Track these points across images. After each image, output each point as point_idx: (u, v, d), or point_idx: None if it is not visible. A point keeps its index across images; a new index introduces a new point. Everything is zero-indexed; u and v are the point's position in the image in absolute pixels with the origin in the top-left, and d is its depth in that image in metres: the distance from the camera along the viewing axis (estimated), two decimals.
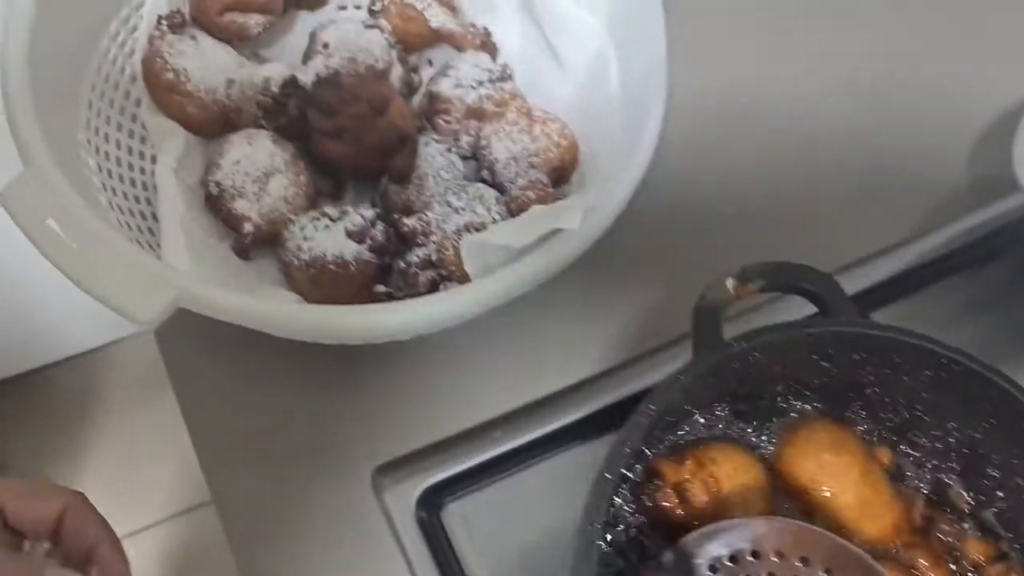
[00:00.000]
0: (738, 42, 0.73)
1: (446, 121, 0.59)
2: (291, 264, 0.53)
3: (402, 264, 0.53)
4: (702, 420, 0.46)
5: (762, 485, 0.44)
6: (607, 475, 0.38)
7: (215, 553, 1.30)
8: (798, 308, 0.50)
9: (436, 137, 0.58)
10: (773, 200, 0.67)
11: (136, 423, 1.38)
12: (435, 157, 0.57)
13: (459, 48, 0.62)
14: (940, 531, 0.43)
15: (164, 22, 0.57)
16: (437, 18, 0.61)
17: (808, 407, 0.47)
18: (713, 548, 0.39)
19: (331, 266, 0.52)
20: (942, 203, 0.67)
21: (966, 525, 0.45)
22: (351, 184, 0.60)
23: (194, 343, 0.57)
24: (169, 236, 0.52)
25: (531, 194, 0.54)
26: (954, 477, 0.46)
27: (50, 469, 1.35)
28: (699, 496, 0.43)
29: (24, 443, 1.36)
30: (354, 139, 0.54)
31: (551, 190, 0.55)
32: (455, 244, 0.52)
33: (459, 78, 0.59)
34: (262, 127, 0.57)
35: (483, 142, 0.58)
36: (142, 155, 0.57)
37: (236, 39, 0.60)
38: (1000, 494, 0.44)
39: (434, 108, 0.59)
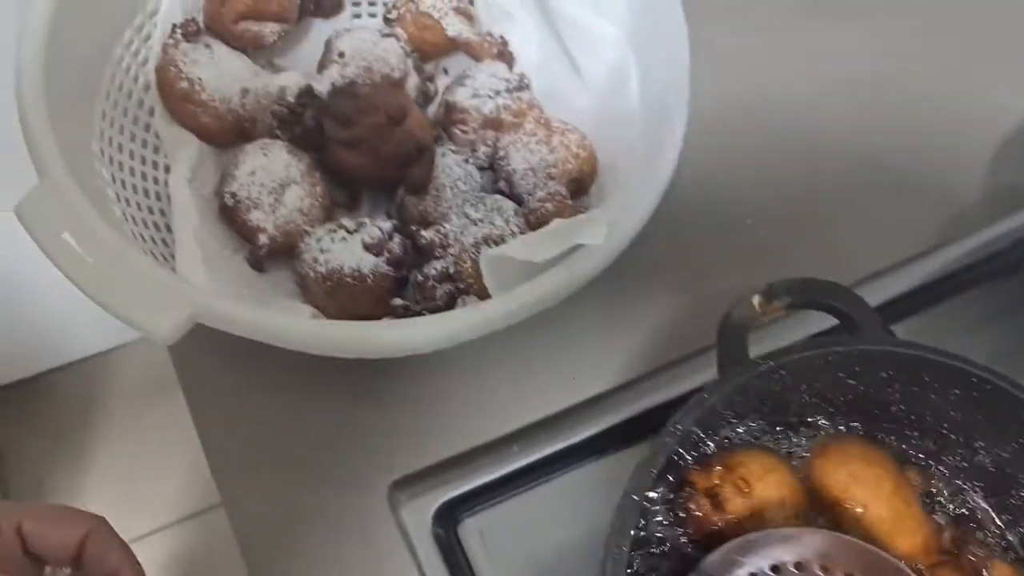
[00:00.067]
0: (755, 50, 0.72)
1: (463, 131, 0.59)
2: (307, 276, 0.52)
3: (419, 277, 0.53)
4: (727, 437, 0.45)
5: (793, 482, 0.43)
6: (634, 497, 0.37)
7: (220, 558, 1.30)
8: (816, 318, 0.49)
9: (453, 148, 0.57)
10: (791, 210, 0.66)
11: (141, 427, 1.38)
12: (452, 168, 0.56)
13: (476, 57, 0.61)
14: (971, 553, 0.42)
15: (178, 30, 0.57)
16: (454, 27, 0.60)
17: (833, 424, 0.47)
18: (756, 560, 0.38)
19: (348, 279, 0.51)
20: (964, 213, 0.67)
21: (995, 547, 0.44)
22: (366, 195, 0.59)
23: (207, 353, 0.56)
24: (183, 248, 0.52)
25: (550, 206, 0.54)
26: (982, 497, 0.45)
27: (55, 473, 1.34)
28: (733, 499, 0.42)
29: (29, 447, 1.36)
30: (371, 149, 0.54)
31: (570, 202, 0.55)
32: (473, 257, 0.52)
33: (476, 88, 0.59)
34: (277, 137, 0.57)
35: (500, 153, 0.57)
36: (155, 165, 0.57)
37: (251, 48, 0.59)
38: None
39: (450, 118, 0.59)
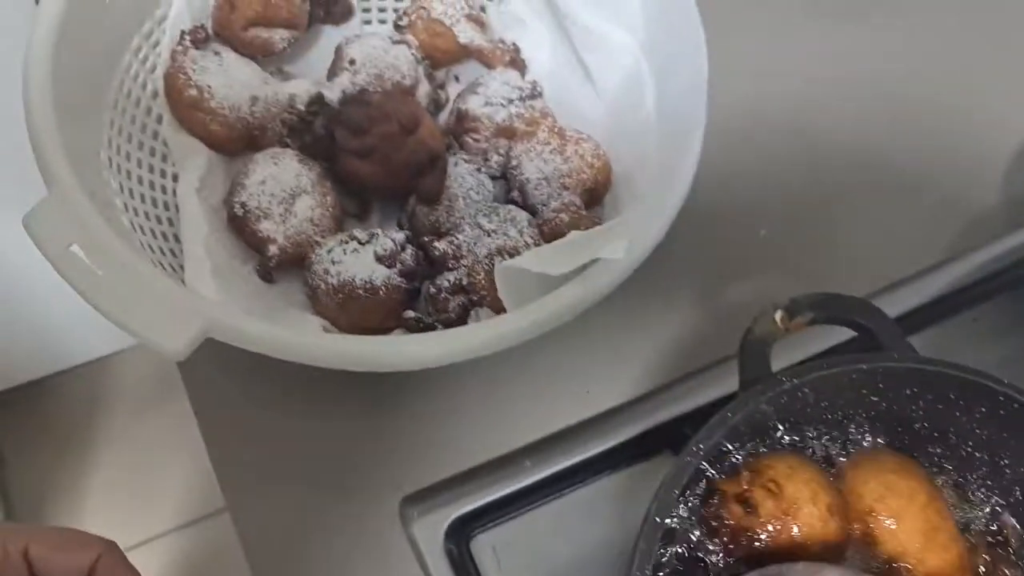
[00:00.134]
0: (766, 56, 0.71)
1: (475, 140, 0.58)
2: (318, 288, 0.51)
3: (432, 289, 0.52)
4: (751, 453, 0.44)
5: (823, 479, 0.42)
6: (656, 519, 0.37)
7: (223, 563, 1.29)
8: (833, 328, 0.48)
9: (465, 157, 0.57)
10: (805, 219, 0.66)
11: (144, 432, 1.38)
12: (465, 177, 0.55)
13: (488, 65, 0.61)
14: (1003, 574, 0.41)
15: (187, 37, 0.56)
16: (465, 34, 0.60)
17: (854, 441, 0.46)
18: None
19: (360, 291, 0.50)
20: (979, 223, 0.66)
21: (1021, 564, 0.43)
22: (377, 204, 0.59)
23: (214, 364, 0.55)
24: (192, 258, 0.51)
25: (564, 217, 0.53)
26: (1008, 515, 0.44)
27: (58, 478, 1.34)
28: (764, 502, 0.40)
29: (32, 452, 1.36)
30: (383, 158, 0.53)
31: (584, 212, 0.54)
32: (486, 268, 0.51)
33: (488, 96, 0.58)
34: (286, 145, 0.56)
35: (513, 162, 0.57)
36: (163, 173, 0.56)
37: (260, 55, 0.58)
38: None
39: (462, 126, 0.58)
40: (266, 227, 0.52)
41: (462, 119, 0.58)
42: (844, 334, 0.48)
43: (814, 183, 0.68)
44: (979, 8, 0.76)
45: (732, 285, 0.61)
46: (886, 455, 0.43)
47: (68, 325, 1.27)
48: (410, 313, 0.52)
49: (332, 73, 0.59)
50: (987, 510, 0.45)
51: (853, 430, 0.45)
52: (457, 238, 0.52)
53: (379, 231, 0.52)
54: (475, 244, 0.52)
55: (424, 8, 0.60)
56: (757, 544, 0.40)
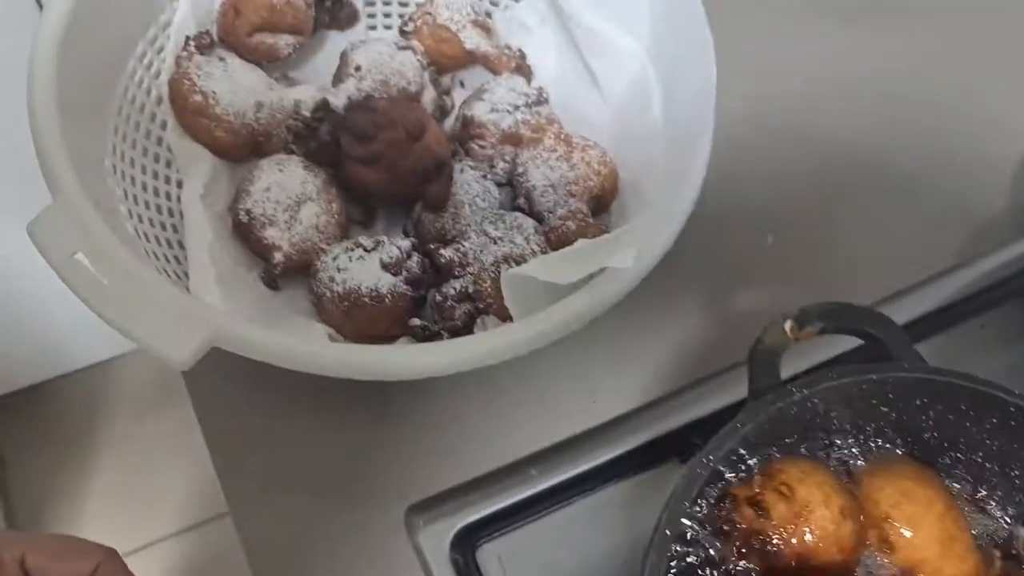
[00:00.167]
0: (772, 60, 0.71)
1: (480, 146, 0.58)
2: (323, 296, 0.51)
3: (438, 297, 0.52)
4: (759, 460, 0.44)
5: (835, 482, 0.41)
6: (667, 531, 0.36)
7: (225, 568, 1.29)
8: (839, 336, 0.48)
9: (471, 163, 0.56)
10: (812, 226, 0.65)
11: (145, 436, 1.37)
12: (471, 184, 0.55)
13: (494, 71, 0.60)
14: None
15: (192, 43, 0.55)
16: (471, 40, 0.59)
17: (863, 451, 0.46)
18: None
19: (366, 299, 0.50)
20: (986, 229, 0.66)
21: None
22: (382, 210, 0.58)
23: (218, 371, 0.55)
24: (197, 266, 0.51)
25: (571, 224, 0.53)
26: (1020, 527, 0.44)
27: (59, 481, 1.34)
28: (776, 505, 0.40)
29: (33, 455, 1.35)
30: (388, 165, 0.53)
31: (591, 220, 0.54)
32: (492, 276, 0.51)
33: (494, 102, 0.58)
34: (291, 152, 0.56)
35: (519, 169, 0.56)
36: (168, 179, 0.55)
37: (265, 60, 0.58)
38: None
39: (468, 132, 0.58)
40: (271, 234, 0.52)
41: (468, 125, 0.58)
42: (851, 342, 0.48)
43: (820, 188, 0.67)
44: (985, 10, 0.76)
45: (739, 292, 0.61)
46: (903, 462, 0.43)
47: (69, 329, 1.27)
48: (416, 321, 0.51)
49: (337, 79, 0.59)
50: (998, 521, 0.45)
51: (862, 440, 0.45)
52: (463, 245, 0.52)
53: (385, 238, 0.52)
54: (481, 252, 0.51)
55: (430, 14, 0.60)
56: (770, 548, 0.39)
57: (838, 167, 0.69)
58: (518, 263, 0.51)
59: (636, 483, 0.54)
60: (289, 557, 0.51)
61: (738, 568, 0.40)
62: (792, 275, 0.63)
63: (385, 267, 0.50)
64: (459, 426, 0.55)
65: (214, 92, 0.54)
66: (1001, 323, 0.61)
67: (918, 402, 0.42)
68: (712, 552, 0.39)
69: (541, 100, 0.58)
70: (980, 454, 0.44)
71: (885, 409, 0.43)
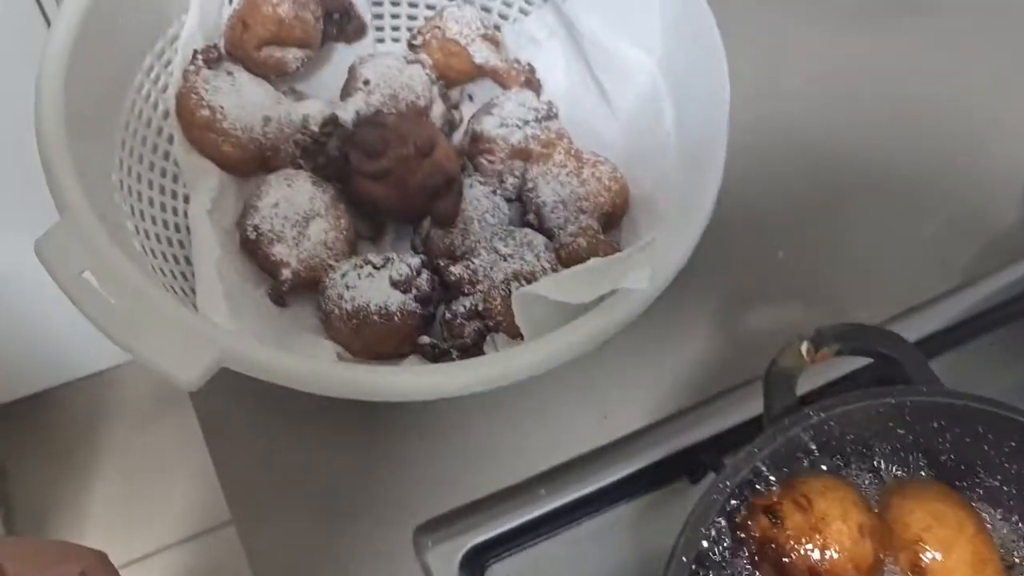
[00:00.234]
0: (780, 77, 0.71)
1: (489, 161, 0.57)
2: (332, 313, 0.50)
3: (447, 314, 0.51)
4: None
5: (858, 499, 0.41)
6: (684, 558, 0.36)
7: None
8: None
9: (480, 179, 0.56)
10: (823, 240, 0.65)
11: (147, 445, 1.37)
12: (480, 200, 0.54)
13: (504, 85, 0.60)
14: None
15: (199, 57, 0.55)
16: (481, 54, 0.59)
17: (878, 472, 0.45)
18: None
19: (374, 317, 0.49)
20: (998, 244, 0.65)
21: None
22: (390, 225, 0.58)
23: (225, 388, 0.54)
24: (204, 282, 0.50)
25: (582, 241, 0.52)
26: None
27: (60, 491, 1.33)
28: (792, 515, 0.39)
29: (34, 465, 1.35)
30: (398, 181, 0.52)
31: (602, 237, 0.53)
32: (503, 294, 0.50)
33: (503, 117, 0.57)
34: (299, 167, 0.55)
35: (529, 184, 0.56)
36: (174, 194, 0.55)
37: (273, 74, 0.58)
38: None
39: (477, 147, 0.57)
40: (279, 251, 0.52)
41: (477, 140, 0.57)
42: (864, 359, 0.48)
43: (829, 201, 0.67)
44: (998, 16, 0.76)
45: (750, 308, 0.60)
46: (931, 484, 0.42)
47: (71, 337, 1.27)
48: (425, 339, 0.51)
49: (346, 93, 0.58)
50: (1013, 544, 0.44)
51: (878, 462, 0.44)
52: (473, 262, 0.51)
53: (394, 255, 0.51)
54: (491, 269, 0.51)
55: (439, 28, 0.60)
56: (783, 558, 0.39)
57: (847, 179, 0.68)
58: (528, 280, 0.50)
59: (645, 503, 0.54)
60: (293, 570, 0.51)
61: None
62: (803, 290, 0.62)
63: (394, 285, 0.50)
64: (467, 443, 0.54)
65: (222, 106, 0.54)
66: (1012, 341, 0.61)
67: (935, 424, 0.42)
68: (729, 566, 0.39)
69: (551, 115, 0.58)
70: (998, 477, 0.43)
71: (902, 431, 0.43)
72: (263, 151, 0.55)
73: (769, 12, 0.75)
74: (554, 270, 0.51)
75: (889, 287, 0.63)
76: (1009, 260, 0.63)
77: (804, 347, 0.42)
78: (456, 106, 0.62)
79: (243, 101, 0.55)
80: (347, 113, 0.55)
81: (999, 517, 0.44)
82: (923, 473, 0.44)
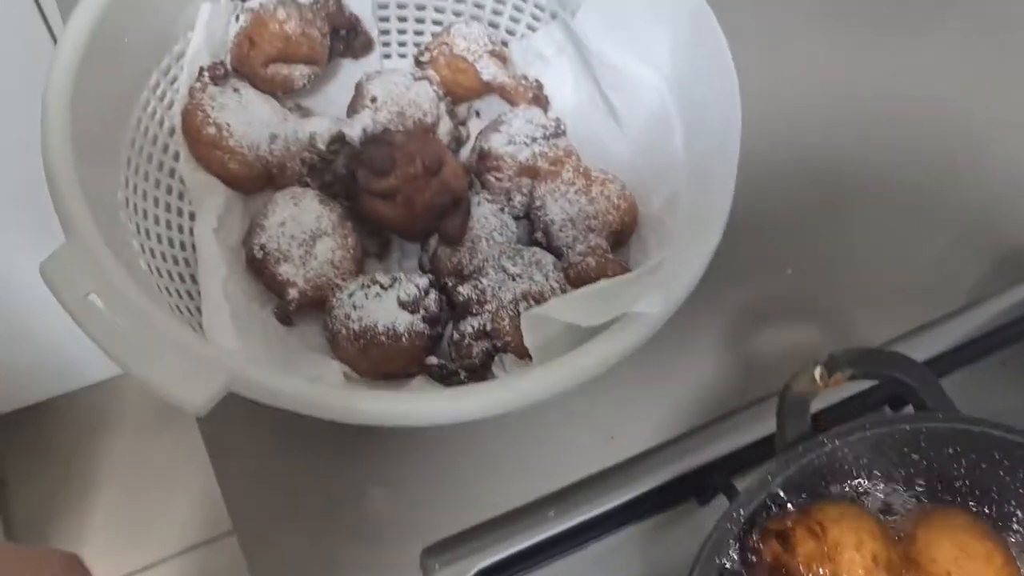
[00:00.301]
0: (786, 92, 0.70)
1: (497, 178, 0.57)
2: (338, 333, 0.50)
3: (455, 335, 0.51)
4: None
5: (874, 528, 0.40)
6: None
7: None
8: None
9: (488, 196, 0.56)
10: (832, 258, 0.65)
11: (147, 455, 1.36)
12: (488, 218, 0.54)
13: (511, 102, 0.60)
14: None
15: (206, 73, 0.55)
16: (488, 70, 0.58)
17: (889, 497, 0.45)
18: None
19: (382, 337, 0.49)
20: (1007, 260, 0.65)
21: None
22: (396, 241, 0.57)
23: (228, 404, 0.54)
24: (210, 302, 0.50)
25: (591, 261, 0.52)
26: None
27: (60, 501, 1.33)
28: (804, 541, 0.39)
29: (34, 475, 1.34)
30: (406, 200, 0.52)
31: (611, 256, 0.53)
32: (511, 314, 0.50)
33: (511, 134, 0.57)
34: (306, 184, 0.55)
35: (537, 202, 0.55)
36: (180, 212, 0.55)
37: (280, 91, 0.57)
38: None
39: (485, 165, 0.57)
40: (286, 270, 0.51)
41: (484, 158, 0.57)
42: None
43: (839, 217, 0.67)
44: (1006, 31, 0.76)
45: (759, 326, 0.60)
46: (957, 513, 0.41)
47: (72, 347, 1.26)
48: (433, 359, 0.50)
49: (352, 110, 0.58)
50: None
51: (893, 487, 0.44)
52: (481, 282, 0.51)
53: (402, 275, 0.51)
54: (499, 288, 0.50)
55: (446, 44, 0.59)
56: None
57: (855, 194, 0.68)
58: (537, 300, 0.50)
59: (654, 524, 0.53)
60: None
61: None
62: (811, 308, 0.62)
63: (402, 305, 0.49)
64: (472, 462, 0.54)
65: (228, 124, 0.54)
66: (1022, 359, 0.60)
67: (950, 450, 0.41)
68: None
69: (559, 132, 0.58)
70: (1012, 502, 0.43)
71: (916, 457, 0.42)
72: (269, 168, 0.55)
73: (775, 24, 0.74)
74: (563, 290, 0.51)
75: (899, 303, 0.63)
76: (1020, 276, 0.63)
77: (818, 372, 0.41)
78: (463, 123, 0.61)
79: (249, 118, 0.54)
80: (354, 130, 0.55)
81: (1012, 540, 0.44)
82: (937, 498, 0.44)
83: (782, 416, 0.41)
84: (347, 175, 0.54)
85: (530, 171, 0.56)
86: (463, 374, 0.50)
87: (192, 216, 0.54)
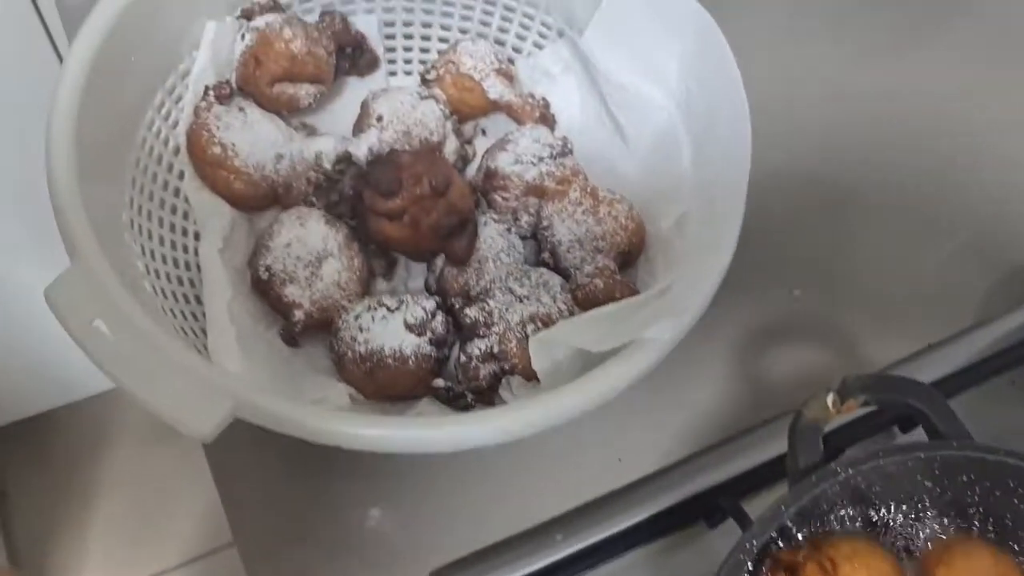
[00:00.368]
0: (789, 106, 0.70)
1: (504, 198, 0.56)
2: (344, 356, 0.50)
3: (463, 357, 0.50)
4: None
5: (888, 568, 0.40)
6: None
7: None
8: None
9: (494, 216, 0.55)
10: (838, 277, 0.64)
11: (149, 467, 1.36)
12: (495, 239, 0.54)
13: (518, 120, 0.59)
14: None
15: (211, 93, 0.54)
16: (495, 89, 0.58)
17: (904, 525, 0.44)
18: None
19: (389, 360, 0.49)
20: (1015, 277, 0.65)
21: None
22: (402, 261, 0.57)
23: (238, 440, 0.54)
24: (215, 324, 0.50)
25: (599, 283, 0.51)
26: None
27: (61, 513, 1.32)
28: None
29: (35, 486, 1.34)
30: (413, 221, 0.51)
31: (619, 278, 0.52)
32: (518, 336, 0.49)
33: (518, 153, 0.56)
34: (311, 204, 0.54)
35: (544, 222, 0.55)
36: (184, 231, 0.54)
37: (286, 110, 0.57)
38: None
39: (492, 184, 0.57)
40: (291, 292, 0.51)
41: (491, 177, 0.57)
42: None
43: (846, 236, 0.66)
44: (1014, 41, 0.75)
45: (767, 347, 0.60)
46: (977, 546, 0.41)
47: (73, 358, 1.25)
48: (440, 382, 0.50)
49: (358, 128, 0.58)
50: None
51: (904, 514, 0.43)
52: (488, 304, 0.50)
53: (408, 297, 0.50)
54: (507, 310, 0.50)
55: (453, 62, 0.59)
56: None
57: (861, 212, 0.67)
58: (544, 322, 0.49)
59: (661, 547, 0.53)
60: None
61: None
62: (819, 329, 0.61)
63: (409, 328, 0.49)
64: (479, 484, 0.53)
65: (233, 144, 0.53)
66: None
67: (964, 478, 0.41)
68: None
69: (566, 151, 0.57)
70: None
71: (929, 484, 0.42)
72: (275, 188, 0.55)
73: (777, 39, 0.74)
74: (571, 312, 0.50)
75: (907, 320, 0.62)
76: None
77: (830, 399, 0.41)
78: (469, 141, 0.61)
79: (255, 138, 0.54)
80: (360, 150, 0.55)
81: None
82: (951, 524, 0.43)
83: (794, 444, 0.40)
84: (353, 195, 0.53)
85: (537, 190, 0.56)
86: (470, 396, 0.50)
87: (197, 236, 0.54)
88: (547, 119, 0.60)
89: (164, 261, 0.51)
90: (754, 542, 0.37)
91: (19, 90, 0.69)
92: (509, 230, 0.55)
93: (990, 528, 0.43)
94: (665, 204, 0.55)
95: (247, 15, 0.55)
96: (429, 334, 0.49)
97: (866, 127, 0.70)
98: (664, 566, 0.53)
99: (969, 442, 0.40)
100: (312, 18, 0.58)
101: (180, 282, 0.52)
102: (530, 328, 0.49)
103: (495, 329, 0.50)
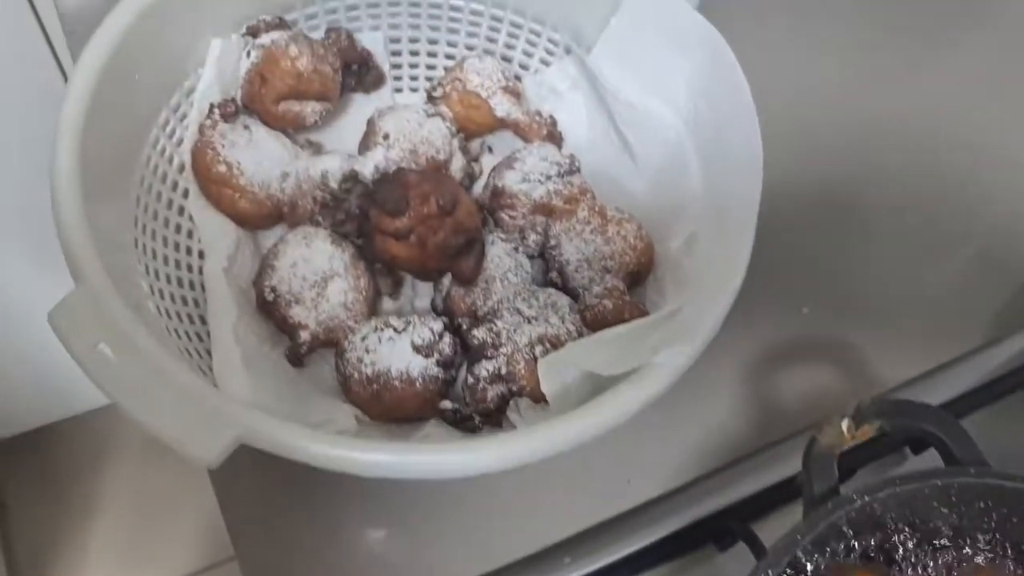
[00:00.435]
0: (796, 121, 0.70)
1: (511, 216, 0.56)
2: (351, 377, 0.49)
3: (470, 379, 0.50)
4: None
5: None
6: None
7: None
8: None
9: (502, 235, 0.55)
10: (848, 295, 0.64)
11: (150, 480, 1.35)
12: (502, 258, 0.53)
13: (525, 138, 0.59)
14: None
15: (216, 111, 0.54)
16: (502, 107, 0.58)
17: (918, 551, 0.43)
18: None
19: (395, 381, 0.48)
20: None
21: None
22: (409, 281, 0.57)
23: (241, 457, 0.53)
24: (221, 345, 0.49)
25: (608, 303, 0.51)
26: None
27: (61, 527, 1.31)
28: None
29: (35, 500, 1.33)
30: (419, 240, 0.51)
31: (628, 298, 0.52)
32: (526, 357, 0.49)
33: (525, 171, 0.56)
34: (317, 223, 0.54)
35: (552, 242, 0.54)
36: (189, 250, 0.54)
37: (292, 128, 0.57)
38: None
39: (499, 202, 0.56)
40: (297, 312, 0.50)
41: (498, 195, 0.56)
42: None
43: (855, 253, 0.66)
44: None
45: (776, 365, 0.59)
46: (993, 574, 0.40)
47: (75, 372, 1.25)
48: (447, 404, 0.49)
49: (364, 146, 0.57)
50: None
51: (918, 540, 0.43)
52: (496, 325, 0.50)
53: (415, 318, 0.50)
54: (514, 331, 0.49)
55: (459, 80, 0.59)
56: None
57: (870, 227, 0.67)
58: (553, 344, 0.49)
59: (671, 570, 0.52)
60: None
61: None
62: (829, 347, 0.61)
63: (416, 349, 0.48)
64: (487, 507, 0.53)
65: (238, 162, 0.53)
66: None
67: (981, 505, 0.40)
68: None
69: (573, 169, 0.57)
70: None
71: (945, 511, 0.41)
72: (280, 207, 0.54)
73: (792, 55, 0.74)
74: (579, 333, 0.50)
75: (917, 338, 0.62)
76: None
77: (845, 424, 0.40)
78: (476, 158, 0.61)
79: (260, 156, 0.54)
80: (366, 168, 0.54)
81: None
82: (965, 550, 0.43)
83: (809, 470, 0.40)
84: (359, 214, 0.53)
85: (544, 209, 0.55)
86: (477, 419, 0.49)
87: (201, 254, 0.54)
88: (554, 137, 0.59)
89: (168, 281, 0.51)
90: (769, 572, 0.36)
91: (24, 109, 0.69)
92: (516, 249, 0.54)
93: (1008, 555, 0.42)
94: (674, 223, 0.54)
95: (253, 32, 0.55)
96: (436, 355, 0.49)
97: (875, 144, 0.70)
98: None
99: (987, 469, 0.40)
100: (318, 35, 0.58)
101: (185, 302, 0.51)
102: (538, 349, 0.49)
103: (503, 350, 0.49)
